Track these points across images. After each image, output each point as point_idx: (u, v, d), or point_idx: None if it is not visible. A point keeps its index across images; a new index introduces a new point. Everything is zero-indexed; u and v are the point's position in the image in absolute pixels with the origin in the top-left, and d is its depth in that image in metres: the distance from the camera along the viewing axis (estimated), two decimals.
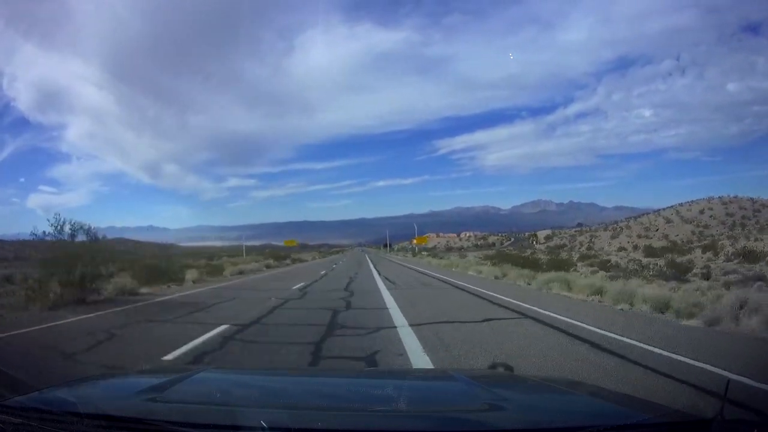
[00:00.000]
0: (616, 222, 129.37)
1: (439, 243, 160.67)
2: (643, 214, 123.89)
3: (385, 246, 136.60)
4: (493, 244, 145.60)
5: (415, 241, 76.11)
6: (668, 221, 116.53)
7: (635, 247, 79.68)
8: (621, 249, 78.59)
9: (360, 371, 4.34)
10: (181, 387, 1.92)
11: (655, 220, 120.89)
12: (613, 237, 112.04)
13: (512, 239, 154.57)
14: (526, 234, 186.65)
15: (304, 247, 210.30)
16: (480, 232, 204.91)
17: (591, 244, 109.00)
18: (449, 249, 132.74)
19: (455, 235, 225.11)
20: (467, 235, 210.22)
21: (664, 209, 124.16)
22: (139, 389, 1.87)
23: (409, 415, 1.67)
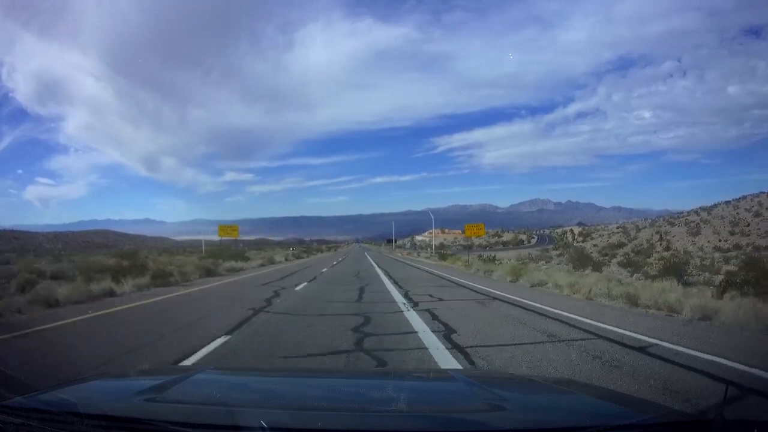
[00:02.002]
0: (677, 216, 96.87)
1: (445, 240, 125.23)
2: (714, 206, 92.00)
3: (389, 242, 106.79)
4: (521, 242, 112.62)
5: (465, 232, 43.21)
6: (757, 215, 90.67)
7: (737, 247, 61.98)
8: (718, 249, 61.58)
9: (360, 371, 4.12)
10: (181, 387, 1.88)
11: (736, 213, 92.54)
12: (692, 234, 77.30)
13: (536, 237, 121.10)
14: (547, 230, 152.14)
15: (299, 242, 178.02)
16: (492, 229, 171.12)
17: (667, 243, 73.56)
18: (467, 247, 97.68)
19: (460, 231, 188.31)
20: None
21: (737, 201, 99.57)
22: (139, 389, 1.83)
23: (409, 415, 1.63)
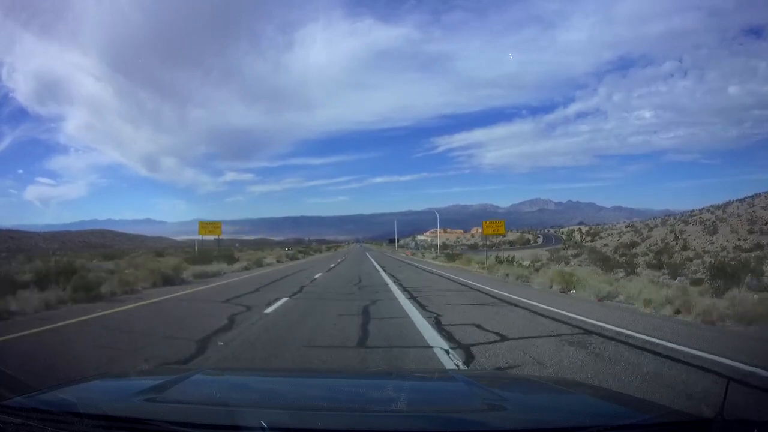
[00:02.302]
0: (689, 214, 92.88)
1: (448, 239, 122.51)
2: (727, 204, 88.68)
3: (391, 242, 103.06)
4: (527, 242, 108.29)
5: (481, 230, 37.14)
6: None
7: (759, 246, 57.96)
8: (739, 249, 57.03)
9: (360, 371, 4.02)
10: (181, 387, 1.85)
11: (752, 212, 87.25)
12: (709, 233, 73.40)
13: (542, 237, 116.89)
14: (551, 230, 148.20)
15: (299, 242, 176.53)
16: None
17: (684, 243, 79.76)
18: (472, 247, 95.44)
19: (462, 231, 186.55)
20: (479, 230, 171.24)
21: (751, 198, 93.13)
22: (139, 389, 1.80)
23: (409, 415, 1.60)
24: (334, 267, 27.35)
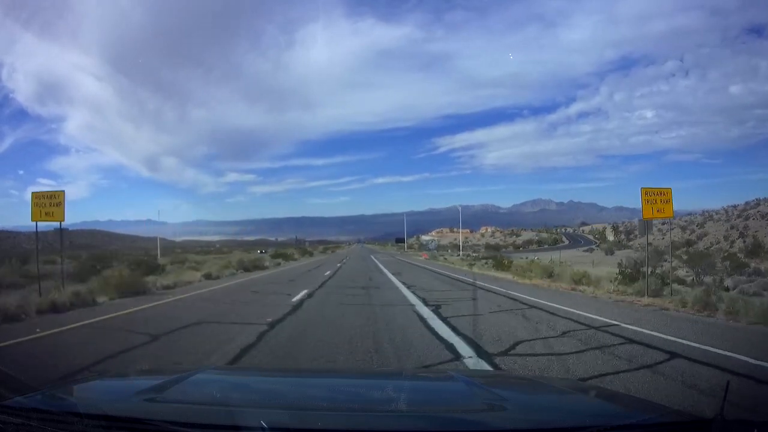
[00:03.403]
0: (735, 207, 78.57)
1: (456, 240, 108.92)
2: None
3: (399, 241, 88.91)
4: (556, 242, 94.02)
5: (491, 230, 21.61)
6: None
7: None
8: None
9: (360, 371, 3.90)
10: (181, 387, 1.82)
11: None
12: None
13: (566, 237, 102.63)
14: (569, 229, 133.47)
15: (299, 243, 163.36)
16: (505, 228, 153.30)
17: (754, 239, 62.64)
18: (492, 247, 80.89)
19: (469, 231, 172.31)
20: (489, 230, 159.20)
21: None
22: (139, 389, 1.78)
23: (409, 415, 1.58)
24: (308, 298, 11.49)
